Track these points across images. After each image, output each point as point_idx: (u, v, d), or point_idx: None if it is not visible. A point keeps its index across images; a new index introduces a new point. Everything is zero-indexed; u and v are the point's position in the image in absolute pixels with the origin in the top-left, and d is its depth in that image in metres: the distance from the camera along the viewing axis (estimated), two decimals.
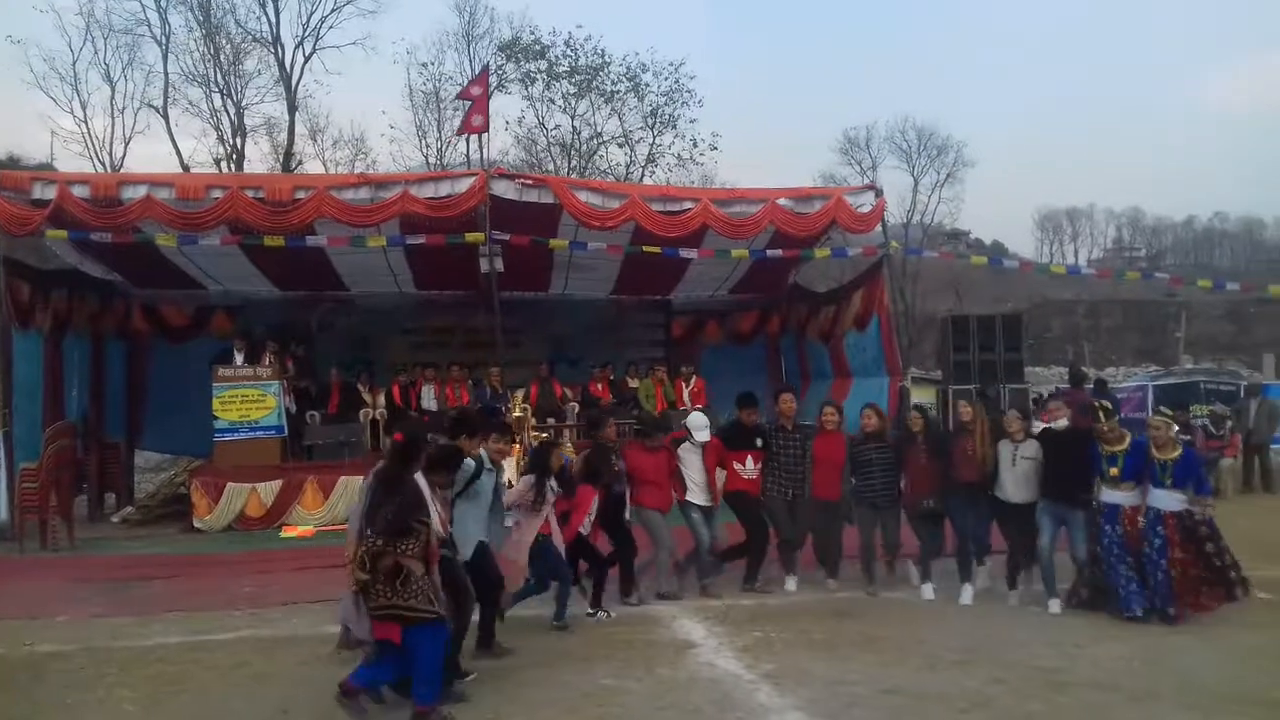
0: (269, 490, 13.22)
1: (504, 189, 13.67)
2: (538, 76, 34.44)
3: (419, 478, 5.99)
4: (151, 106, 34.39)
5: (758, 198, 14.81)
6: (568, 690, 6.15)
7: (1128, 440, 7.98)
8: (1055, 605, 8.12)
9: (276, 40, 34.58)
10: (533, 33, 34.98)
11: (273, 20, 34.31)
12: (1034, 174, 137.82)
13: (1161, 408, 8.88)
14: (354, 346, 17.36)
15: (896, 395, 14.85)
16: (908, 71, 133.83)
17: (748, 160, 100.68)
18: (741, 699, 5.97)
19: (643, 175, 34.06)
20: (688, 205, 14.36)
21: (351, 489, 13.03)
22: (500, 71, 34.21)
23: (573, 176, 29.80)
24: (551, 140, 35.57)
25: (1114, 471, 7.92)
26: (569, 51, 34.10)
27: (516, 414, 12.52)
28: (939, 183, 49.08)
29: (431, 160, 35.31)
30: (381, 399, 15.27)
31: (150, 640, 7.51)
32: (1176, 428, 8.23)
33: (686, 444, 9.08)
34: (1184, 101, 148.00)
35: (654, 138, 34.99)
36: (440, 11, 60.13)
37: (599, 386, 15.84)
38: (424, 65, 36.57)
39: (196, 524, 13.07)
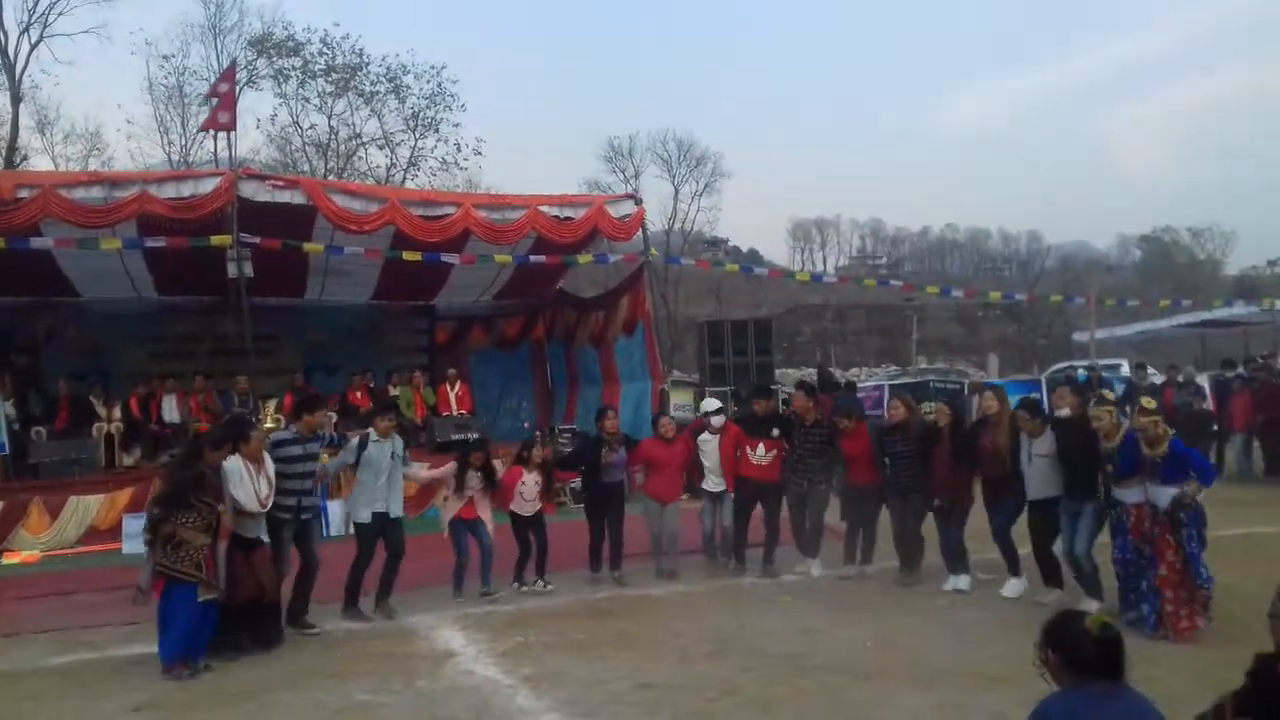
0: None
1: (253, 190, 13.06)
2: (291, 74, 33.15)
3: (234, 461, 7.05)
4: None
5: (521, 204, 14.85)
6: (321, 709, 5.96)
7: (1121, 434, 7.41)
8: (1093, 604, 7.44)
9: None
10: (286, 28, 33.65)
11: None
12: (787, 186, 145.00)
13: (1143, 399, 8.04)
14: (86, 356, 16.09)
15: (658, 399, 15.28)
16: (669, 83, 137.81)
17: (514, 166, 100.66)
18: (500, 704, 5.97)
19: (404, 178, 33.47)
20: (449, 210, 14.21)
21: (84, 509, 12.12)
22: (251, 67, 32.69)
23: (330, 178, 28.86)
24: (307, 140, 34.34)
25: (1109, 468, 7.44)
26: (325, 49, 33.04)
27: (268, 425, 11.97)
28: (698, 192, 50.98)
29: (175, 158, 33.35)
30: (117, 412, 14.23)
31: None
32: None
33: (705, 432, 9.50)
34: (918, 121, 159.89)
35: (416, 141, 34.46)
36: (184, 2, 56.54)
37: (358, 395, 15.39)
38: (166, 58, 34.48)
39: None
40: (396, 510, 8.30)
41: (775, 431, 9.42)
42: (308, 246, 13.83)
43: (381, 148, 34.73)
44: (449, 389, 15.84)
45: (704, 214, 52.54)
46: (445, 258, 14.46)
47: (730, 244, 75.82)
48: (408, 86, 33.72)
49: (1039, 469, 7.93)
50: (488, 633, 7.65)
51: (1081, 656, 2.98)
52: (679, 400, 15.57)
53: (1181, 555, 7.00)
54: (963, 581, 8.59)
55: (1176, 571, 7.00)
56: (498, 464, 9.13)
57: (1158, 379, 18.36)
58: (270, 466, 7.35)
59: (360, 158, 34.79)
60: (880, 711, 5.79)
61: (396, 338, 18.55)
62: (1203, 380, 17.11)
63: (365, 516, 8.11)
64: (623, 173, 50.46)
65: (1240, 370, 16.49)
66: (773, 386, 12.81)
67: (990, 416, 8.47)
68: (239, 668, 6.86)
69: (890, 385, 19.50)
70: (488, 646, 7.26)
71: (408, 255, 14.04)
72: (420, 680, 6.48)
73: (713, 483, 9.53)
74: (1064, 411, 8.03)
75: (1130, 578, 7.33)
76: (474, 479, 8.74)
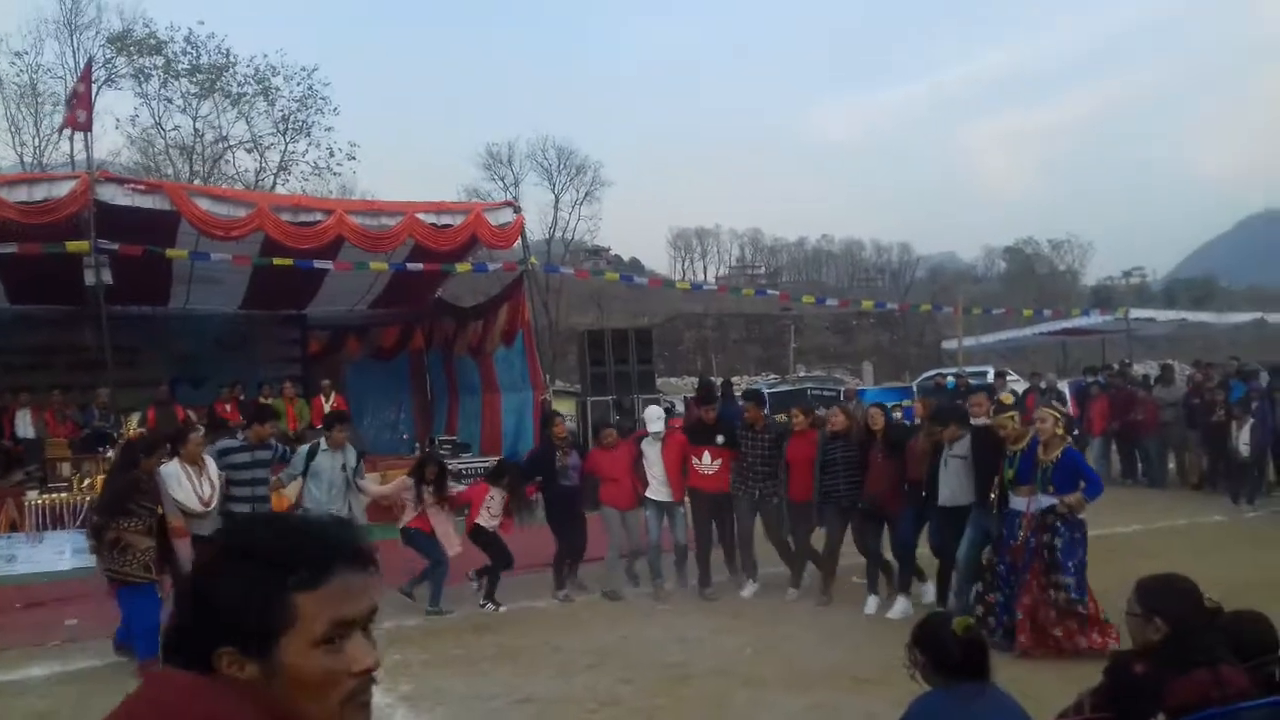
0: None
1: (112, 193, 12.42)
2: (153, 73, 31.85)
3: (172, 465, 7.47)
4: None
5: (397, 210, 14.53)
6: None
7: (1028, 438, 7.17)
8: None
9: None
10: (147, 26, 32.28)
11: None
12: (669, 196, 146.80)
13: (1053, 402, 7.92)
14: None
15: (539, 409, 15.17)
16: (549, 92, 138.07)
17: (393, 172, 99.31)
18: None
19: (275, 183, 32.54)
20: (322, 216, 13.81)
21: None
22: (110, 65, 31.29)
23: (195, 182, 27.83)
24: (170, 143, 33.03)
25: (1010, 473, 7.18)
26: (189, 49, 31.82)
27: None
28: (579, 200, 50.86)
29: (28, 160, 31.65)
30: None
31: None
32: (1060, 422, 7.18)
33: (648, 438, 9.25)
34: (794, 134, 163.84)
35: (286, 144, 33.51)
36: None
37: (227, 408, 14.84)
38: (18, 55, 32.67)
39: None
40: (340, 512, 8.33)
41: (720, 439, 9.14)
42: (170, 253, 13.28)
43: (250, 151, 33.70)
44: (323, 400, 15.41)
45: (585, 223, 52.46)
46: (319, 264, 14.06)
47: (612, 253, 76.09)
48: (277, 88, 32.76)
49: (954, 470, 7.72)
50: None
51: (948, 657, 3.05)
52: (560, 410, 15.48)
53: (1045, 565, 6.83)
54: (905, 599, 8.21)
55: (1040, 587, 6.83)
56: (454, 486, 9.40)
57: (1020, 386, 19.15)
58: (213, 468, 7.73)
59: (228, 161, 33.66)
60: (759, 716, 5.85)
61: (267, 348, 17.92)
62: (1064, 386, 17.89)
63: None
64: (502, 180, 50.09)
65: (1098, 377, 17.29)
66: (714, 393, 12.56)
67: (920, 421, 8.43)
68: (95, 695, 6.50)
69: (770, 393, 19.81)
70: None
71: (278, 262, 13.59)
72: None
73: (657, 490, 9.18)
74: (981, 420, 7.83)
75: (1000, 594, 7.13)
76: (426, 493, 8.82)
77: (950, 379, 18.42)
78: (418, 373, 19.21)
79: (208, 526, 7.49)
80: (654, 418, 9.40)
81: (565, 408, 15.71)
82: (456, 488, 9.51)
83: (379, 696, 6.23)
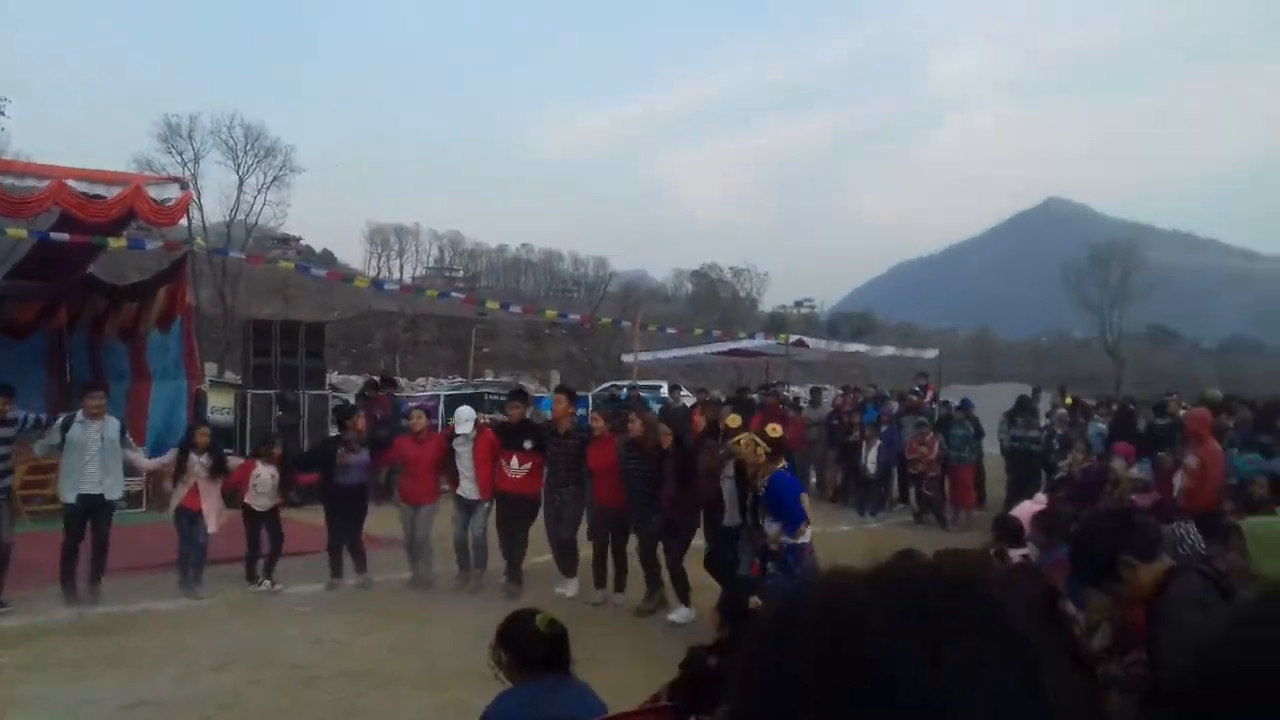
0: None
1: None
2: None
3: None
4: None
5: (44, 174, 13.20)
6: None
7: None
8: None
9: None
10: None
11: None
12: (370, 189, 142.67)
13: (729, 417, 7.63)
14: None
15: (194, 399, 14.27)
16: (238, 68, 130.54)
17: (57, 135, 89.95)
18: None
19: None
20: None
21: None
22: None
23: None
24: None
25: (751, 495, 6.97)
26: None
27: None
28: (265, 184, 47.79)
29: None
30: None
31: None
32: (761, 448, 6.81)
33: (459, 438, 9.01)
34: (501, 145, 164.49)
35: None
36: None
37: None
38: None
39: None
40: (112, 494, 8.32)
41: (529, 444, 8.91)
42: None
43: None
44: None
45: (271, 208, 49.33)
46: None
47: (304, 243, 72.59)
48: None
49: (728, 492, 7.61)
50: None
51: (532, 653, 3.16)
52: (218, 402, 14.63)
53: None
54: (681, 614, 8.03)
55: None
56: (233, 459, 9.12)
57: (689, 400, 20.23)
58: None
59: None
60: (388, 716, 5.80)
61: None
62: None
63: (70, 498, 8.12)
64: (180, 155, 45.97)
65: (754, 395, 18.58)
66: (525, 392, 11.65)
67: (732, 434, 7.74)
68: None
69: (447, 395, 19.72)
70: None
71: None
72: None
73: (466, 488, 8.99)
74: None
75: None
76: (198, 464, 8.55)
77: (624, 391, 19.13)
78: (56, 353, 17.44)
79: None
80: (463, 419, 9.13)
81: (223, 400, 14.83)
82: (235, 462, 9.13)
83: None
